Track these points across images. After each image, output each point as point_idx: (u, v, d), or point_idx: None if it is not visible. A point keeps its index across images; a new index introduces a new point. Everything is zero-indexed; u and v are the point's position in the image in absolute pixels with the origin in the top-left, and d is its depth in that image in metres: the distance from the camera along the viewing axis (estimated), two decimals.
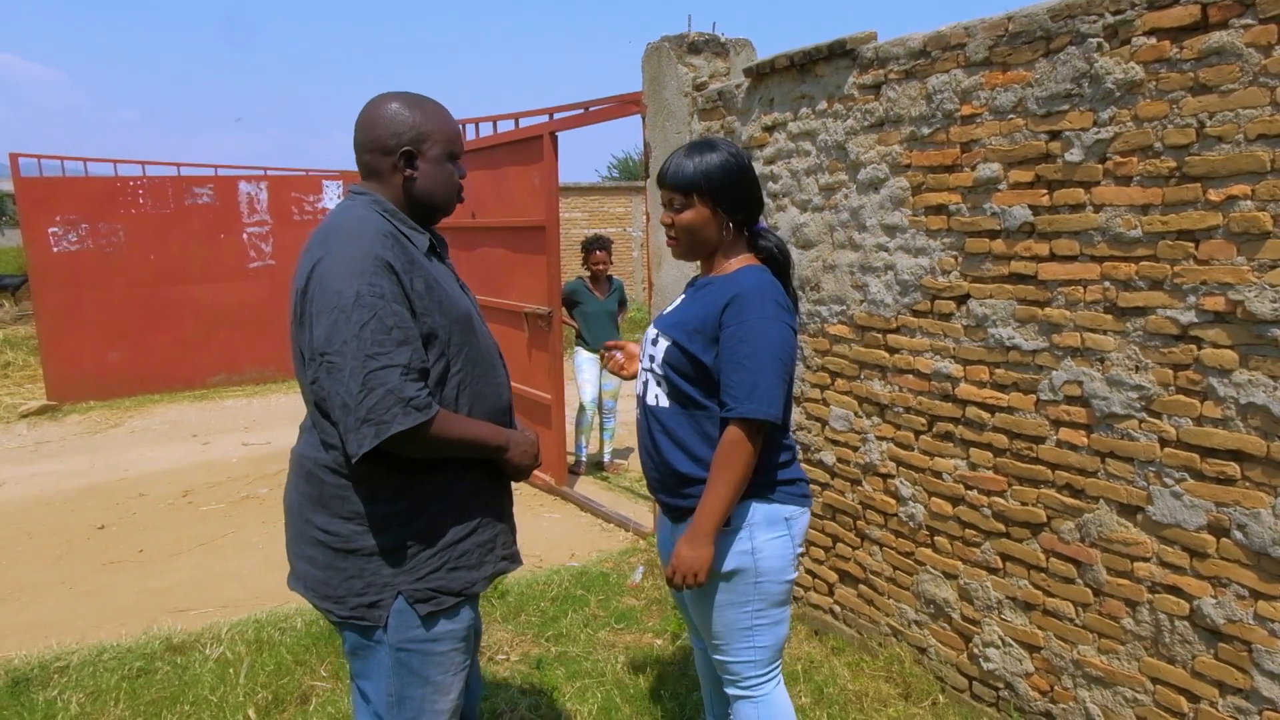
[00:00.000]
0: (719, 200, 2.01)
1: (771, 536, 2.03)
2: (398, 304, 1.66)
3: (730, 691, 2.16)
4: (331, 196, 10.21)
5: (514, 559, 1.97)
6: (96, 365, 9.13)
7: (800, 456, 3.31)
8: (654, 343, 2.09)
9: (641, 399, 2.15)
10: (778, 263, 2.09)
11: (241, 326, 9.76)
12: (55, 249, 8.96)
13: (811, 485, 2.82)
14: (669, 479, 2.07)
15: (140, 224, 9.32)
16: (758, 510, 2.02)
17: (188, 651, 3.45)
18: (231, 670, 3.23)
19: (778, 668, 2.18)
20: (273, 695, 3.06)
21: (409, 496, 1.76)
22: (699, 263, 2.16)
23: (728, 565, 2.01)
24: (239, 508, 5.61)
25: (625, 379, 2.40)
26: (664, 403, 2.06)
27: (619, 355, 2.38)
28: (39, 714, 2.99)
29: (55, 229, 8.95)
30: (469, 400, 1.83)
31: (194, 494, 5.94)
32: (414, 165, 1.82)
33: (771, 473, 2.04)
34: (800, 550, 2.11)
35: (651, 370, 2.09)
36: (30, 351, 10.95)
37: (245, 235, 9.89)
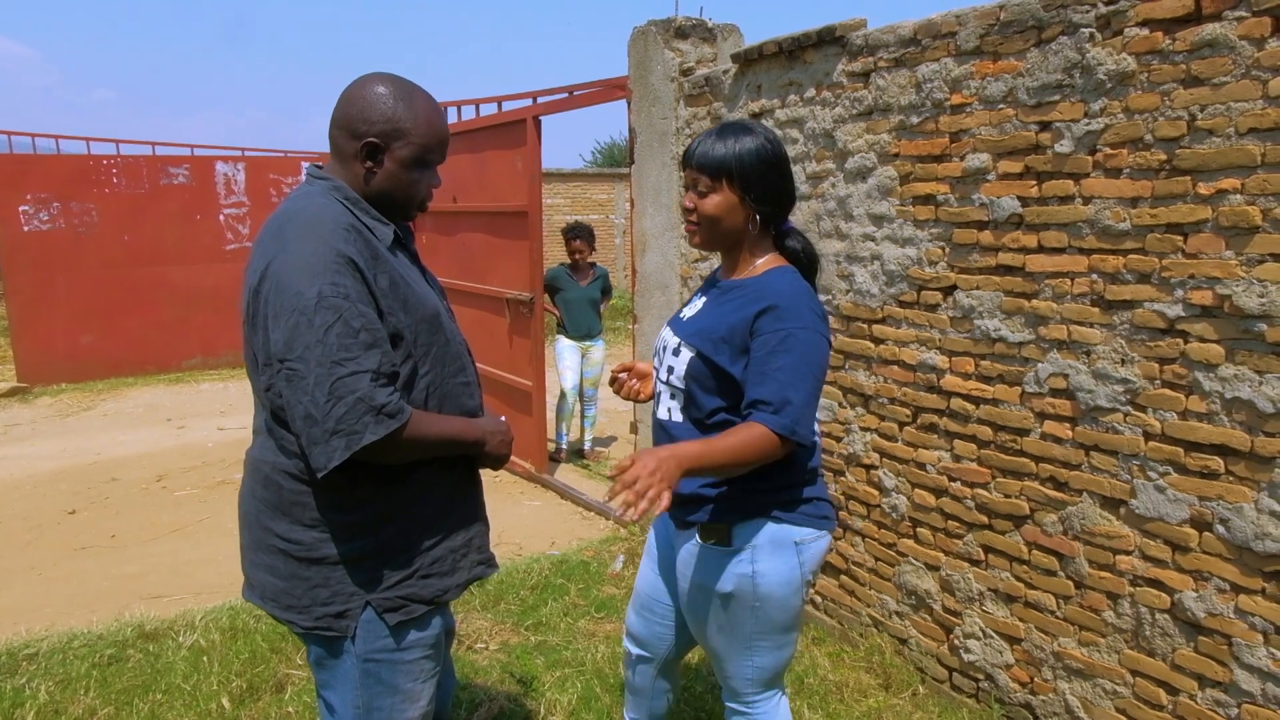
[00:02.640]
0: (748, 188, 1.82)
1: (776, 561, 1.85)
2: (363, 304, 1.53)
3: (728, 703, 2.05)
4: None
5: (489, 563, 1.87)
6: (68, 347, 8.97)
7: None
8: (675, 353, 1.91)
9: (655, 412, 2.00)
10: (802, 266, 1.93)
11: (218, 309, 9.61)
12: (26, 228, 8.79)
13: None
14: (676, 496, 1.92)
15: (114, 204, 9.15)
16: (764, 531, 1.85)
17: (160, 639, 3.39)
18: (205, 658, 3.18)
19: (779, 688, 2.04)
20: (247, 683, 3.01)
21: (377, 502, 1.65)
22: (719, 256, 2.00)
23: (724, 586, 1.86)
24: (214, 493, 5.53)
25: (641, 403, 2.21)
26: (677, 417, 1.91)
27: (633, 382, 2.16)
28: (7, 702, 2.93)
29: (26, 207, 8.77)
30: (438, 402, 1.73)
31: (168, 479, 5.85)
32: (376, 159, 1.65)
33: (786, 491, 1.86)
34: (811, 579, 1.92)
35: (669, 384, 1.92)
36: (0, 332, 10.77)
37: (222, 217, 9.75)
